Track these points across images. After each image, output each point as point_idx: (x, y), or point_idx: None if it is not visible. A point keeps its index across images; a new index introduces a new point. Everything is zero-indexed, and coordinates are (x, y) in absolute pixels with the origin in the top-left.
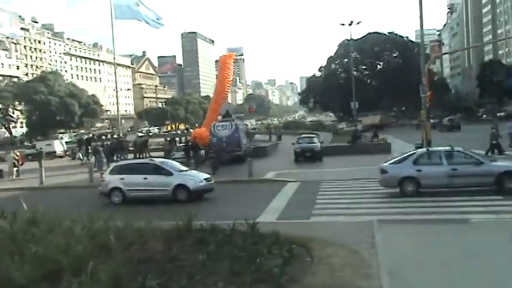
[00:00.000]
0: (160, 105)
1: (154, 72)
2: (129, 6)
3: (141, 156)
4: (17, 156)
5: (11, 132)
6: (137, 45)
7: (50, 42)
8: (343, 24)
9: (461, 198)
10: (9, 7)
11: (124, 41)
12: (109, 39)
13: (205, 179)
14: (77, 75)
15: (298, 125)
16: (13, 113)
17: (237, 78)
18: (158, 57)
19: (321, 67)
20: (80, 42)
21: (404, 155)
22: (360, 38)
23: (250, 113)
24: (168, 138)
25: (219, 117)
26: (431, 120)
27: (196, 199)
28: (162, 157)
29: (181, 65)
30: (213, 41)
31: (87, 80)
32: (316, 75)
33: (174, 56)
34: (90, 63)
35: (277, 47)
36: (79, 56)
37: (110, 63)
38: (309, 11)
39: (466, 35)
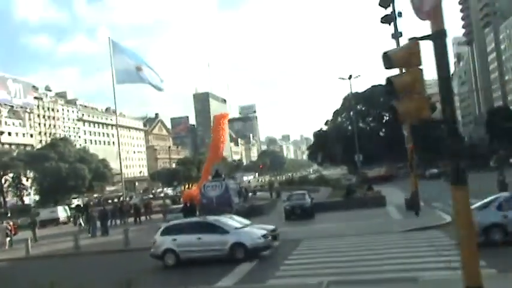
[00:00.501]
0: (174, 165)
1: (167, 133)
2: (132, 71)
3: (140, 219)
4: (10, 226)
5: (22, 201)
6: (150, 108)
7: (63, 110)
8: (342, 79)
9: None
10: (25, 78)
11: (137, 104)
12: (122, 103)
13: (263, 236)
14: (90, 140)
15: (301, 180)
16: (27, 180)
17: (251, 135)
18: (171, 118)
19: (327, 121)
20: (92, 108)
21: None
22: (365, 91)
23: (261, 169)
24: (168, 200)
25: (209, 178)
26: (435, 170)
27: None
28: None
29: (194, 125)
30: (225, 100)
31: (99, 144)
32: (323, 129)
33: (187, 116)
34: (103, 128)
35: (291, 103)
36: (92, 122)
37: (122, 126)
38: (320, 64)
39: (475, 83)
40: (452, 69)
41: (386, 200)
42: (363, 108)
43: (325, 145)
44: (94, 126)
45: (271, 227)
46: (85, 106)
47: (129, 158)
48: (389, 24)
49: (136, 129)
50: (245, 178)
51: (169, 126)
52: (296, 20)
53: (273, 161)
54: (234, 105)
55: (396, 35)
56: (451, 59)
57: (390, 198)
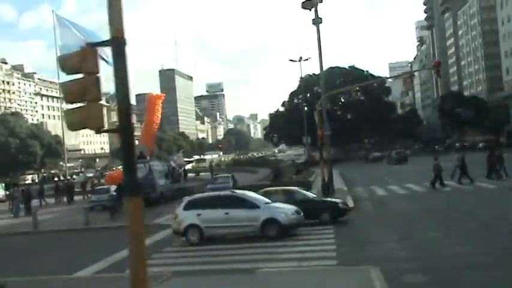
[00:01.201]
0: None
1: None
2: (74, 45)
3: (72, 198)
4: None
5: None
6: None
7: (19, 83)
8: (293, 61)
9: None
10: None
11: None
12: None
13: (296, 212)
14: (49, 115)
15: (248, 161)
16: None
17: (218, 113)
18: (136, 94)
19: (283, 102)
20: (51, 82)
21: None
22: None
23: (221, 148)
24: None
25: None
26: (379, 153)
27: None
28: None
29: None
30: (191, 77)
31: (58, 119)
32: (280, 110)
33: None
34: (62, 103)
35: (260, 82)
36: (50, 96)
37: None
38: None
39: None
40: (414, 52)
41: (313, 184)
42: (319, 90)
43: (281, 126)
44: (53, 101)
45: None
46: (43, 80)
47: (89, 135)
48: (310, 10)
49: None
50: (208, 157)
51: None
52: None
53: (238, 140)
54: (202, 83)
55: (317, 21)
56: (414, 43)
57: (319, 183)
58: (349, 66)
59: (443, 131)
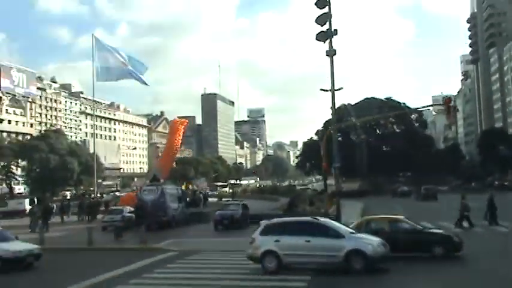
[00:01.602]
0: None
1: None
2: (114, 68)
3: (89, 217)
4: None
5: (11, 189)
6: (163, 106)
7: (65, 102)
8: (325, 90)
9: None
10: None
11: (150, 102)
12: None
13: (382, 244)
14: (92, 133)
15: (273, 189)
16: (16, 169)
17: (257, 139)
18: (178, 117)
19: (317, 131)
20: (96, 101)
21: None
22: (358, 103)
23: (254, 174)
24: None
25: (147, 181)
26: (407, 188)
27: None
28: None
29: (200, 125)
30: (232, 102)
31: (101, 138)
32: (313, 138)
33: (194, 116)
34: (105, 122)
35: (302, 109)
36: (93, 115)
37: (125, 122)
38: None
39: (478, 102)
40: (459, 86)
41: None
42: (354, 120)
43: (314, 155)
44: (96, 120)
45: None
46: (89, 99)
47: (130, 154)
48: (324, 42)
49: (139, 125)
50: (245, 182)
51: None
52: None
53: (276, 166)
54: (243, 108)
55: (331, 53)
56: (459, 77)
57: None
58: (386, 98)
59: (483, 168)
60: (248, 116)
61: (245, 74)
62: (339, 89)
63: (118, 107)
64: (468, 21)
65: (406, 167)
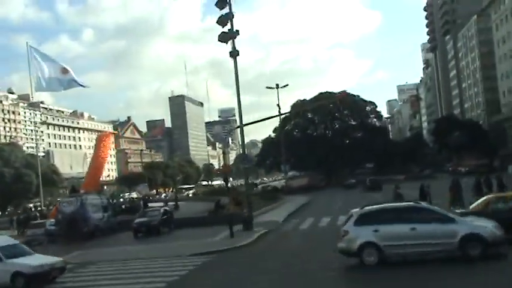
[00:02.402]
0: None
1: (140, 137)
2: (54, 78)
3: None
4: None
5: None
6: (133, 111)
7: (25, 113)
8: (270, 88)
9: None
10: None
11: (119, 108)
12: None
13: (496, 227)
14: (55, 143)
15: (223, 190)
16: None
17: (230, 139)
18: (147, 121)
19: (275, 128)
20: (58, 110)
21: None
22: (312, 98)
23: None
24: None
25: (67, 193)
26: (354, 180)
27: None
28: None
29: (170, 128)
30: (201, 103)
31: (65, 147)
32: (271, 136)
33: (163, 119)
34: (68, 131)
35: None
36: (56, 125)
37: (89, 130)
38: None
39: (438, 90)
40: (421, 75)
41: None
42: (310, 116)
43: (272, 152)
44: (59, 130)
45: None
46: (49, 109)
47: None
48: (226, 43)
49: (105, 132)
50: (217, 182)
51: (145, 129)
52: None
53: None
54: (214, 109)
55: (234, 54)
56: (420, 65)
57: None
58: (340, 92)
59: (440, 155)
60: (219, 116)
61: (217, 74)
62: (284, 86)
63: (82, 114)
64: (425, 9)
65: (368, 159)
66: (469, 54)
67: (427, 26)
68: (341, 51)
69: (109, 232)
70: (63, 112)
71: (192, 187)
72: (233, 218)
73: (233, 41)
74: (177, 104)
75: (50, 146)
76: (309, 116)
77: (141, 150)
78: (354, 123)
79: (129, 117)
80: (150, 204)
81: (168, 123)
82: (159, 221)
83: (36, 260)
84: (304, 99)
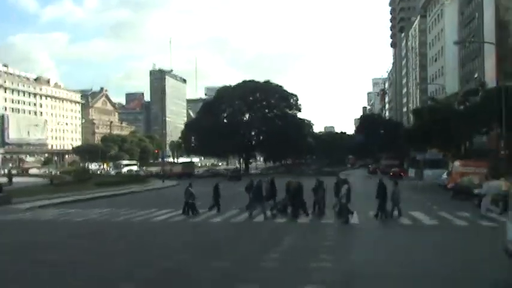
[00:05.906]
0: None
1: (112, 108)
2: None
3: None
4: None
5: None
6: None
7: None
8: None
9: None
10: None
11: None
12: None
13: None
14: (12, 108)
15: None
16: None
17: None
18: (126, 93)
19: (198, 111)
20: (19, 76)
21: None
22: (235, 85)
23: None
24: None
25: None
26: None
27: None
28: None
29: (149, 102)
30: (185, 80)
31: (23, 113)
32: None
33: (142, 93)
34: (29, 97)
35: None
36: (14, 89)
37: (53, 97)
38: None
39: (395, 84)
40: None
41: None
42: (236, 102)
43: (193, 136)
44: (19, 95)
45: None
46: (6, 73)
47: (59, 130)
48: None
49: (71, 101)
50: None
51: (124, 101)
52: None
53: None
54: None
55: None
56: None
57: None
58: (264, 81)
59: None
60: (206, 94)
61: (219, 51)
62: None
63: (48, 81)
64: (390, 4)
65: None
66: (412, 53)
67: (390, 21)
68: None
69: None
70: (28, 79)
71: (134, 164)
72: None
73: None
74: (158, 78)
75: (6, 110)
76: (237, 103)
77: (111, 122)
78: (269, 114)
79: (102, 88)
80: None
81: (147, 97)
82: None
83: None
84: (229, 85)
